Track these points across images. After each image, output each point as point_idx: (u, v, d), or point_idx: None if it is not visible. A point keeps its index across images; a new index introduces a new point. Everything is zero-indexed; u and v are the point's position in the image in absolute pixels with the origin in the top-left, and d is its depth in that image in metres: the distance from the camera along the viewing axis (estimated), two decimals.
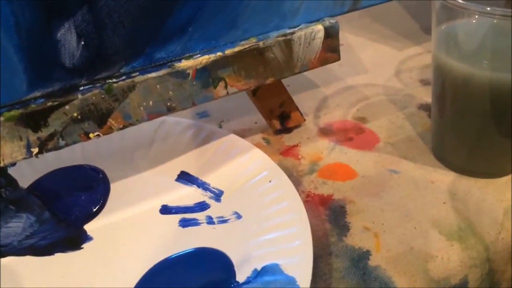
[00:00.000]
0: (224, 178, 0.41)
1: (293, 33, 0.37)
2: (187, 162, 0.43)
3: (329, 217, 0.37)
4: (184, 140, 0.45)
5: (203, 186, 0.41)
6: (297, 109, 0.46)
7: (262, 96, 0.44)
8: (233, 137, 0.44)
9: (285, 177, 0.38)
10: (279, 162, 0.43)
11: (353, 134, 0.46)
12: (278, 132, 0.47)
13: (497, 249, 0.34)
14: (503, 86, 0.34)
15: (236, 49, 0.36)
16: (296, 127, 0.48)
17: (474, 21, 0.34)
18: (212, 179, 0.41)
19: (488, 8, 0.32)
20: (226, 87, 0.37)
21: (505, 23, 0.32)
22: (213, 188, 0.40)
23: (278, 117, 0.46)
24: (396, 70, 0.56)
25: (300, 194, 0.39)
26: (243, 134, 0.47)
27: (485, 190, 0.38)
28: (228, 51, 0.36)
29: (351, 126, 0.47)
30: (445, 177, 0.40)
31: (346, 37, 0.65)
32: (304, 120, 0.47)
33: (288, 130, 0.47)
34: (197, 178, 0.41)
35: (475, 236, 0.34)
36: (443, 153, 0.41)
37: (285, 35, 0.37)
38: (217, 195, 0.39)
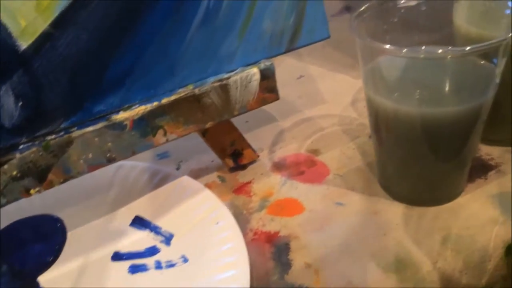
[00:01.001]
0: (175, 221, 0.42)
1: (228, 77, 0.39)
2: (142, 206, 0.44)
3: (273, 255, 0.38)
4: (140, 184, 0.46)
5: (155, 230, 0.42)
6: (249, 146, 0.47)
7: (212, 136, 0.45)
8: (186, 179, 0.45)
9: (231, 218, 0.39)
10: (230, 200, 0.44)
11: (305, 168, 0.47)
12: (233, 169, 0.48)
13: (434, 279, 0.34)
14: (432, 120, 0.35)
15: (173, 97, 0.38)
16: (251, 163, 0.49)
17: (396, 59, 0.35)
18: (164, 223, 0.42)
19: (405, 50, 0.33)
20: (165, 134, 0.38)
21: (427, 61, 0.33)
22: (164, 231, 0.41)
23: (231, 155, 0.47)
24: (352, 99, 0.57)
25: (248, 233, 0.40)
26: (199, 173, 0.49)
27: (425, 219, 0.39)
28: (164, 100, 0.37)
29: (303, 159, 0.48)
30: (388, 207, 0.41)
31: (308, 68, 0.66)
32: (258, 156, 0.49)
33: (243, 167, 0.48)
34: (150, 223, 0.42)
35: (412, 267, 0.35)
36: (386, 183, 0.42)
37: (221, 80, 0.39)
38: (168, 239, 0.40)
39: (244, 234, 0.40)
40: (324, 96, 0.59)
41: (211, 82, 0.38)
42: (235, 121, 0.48)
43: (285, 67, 0.67)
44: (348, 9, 0.83)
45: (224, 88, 0.39)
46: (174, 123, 0.38)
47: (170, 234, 0.41)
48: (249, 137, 0.53)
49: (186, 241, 0.40)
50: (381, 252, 0.37)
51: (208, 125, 0.39)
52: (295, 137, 0.52)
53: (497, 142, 0.45)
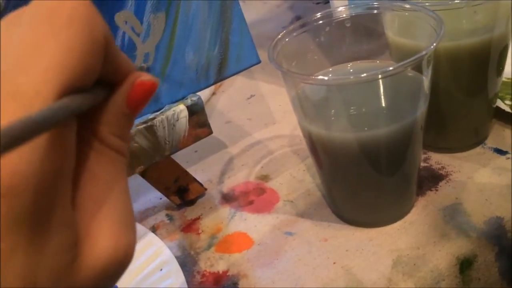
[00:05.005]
0: None
1: (154, 118, 0.37)
2: None
3: None
4: None
5: None
6: (195, 180, 0.46)
7: (151, 177, 0.43)
8: None
9: (175, 263, 0.38)
10: (179, 240, 0.42)
11: (254, 197, 0.45)
12: (180, 206, 0.46)
13: None
14: (367, 142, 0.34)
15: None
16: (200, 196, 0.47)
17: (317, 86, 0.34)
18: None
19: (326, 78, 0.31)
20: None
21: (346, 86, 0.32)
22: None
23: (176, 192, 0.45)
24: None
25: (195, 276, 0.38)
26: (148, 213, 0.47)
27: (376, 241, 0.37)
28: None
29: (253, 187, 0.47)
30: (338, 232, 0.39)
31: (259, 86, 0.65)
32: (205, 189, 0.47)
33: (191, 202, 0.46)
34: None
35: None
36: (334, 206, 0.41)
37: (146, 122, 0.37)
38: None
39: (192, 277, 0.39)
40: (274, 116, 0.57)
41: (135, 125, 0.36)
42: (184, 152, 0.46)
43: (236, 88, 0.66)
44: (298, 19, 0.81)
45: (150, 130, 0.37)
46: None
47: (114, 285, 0.39)
48: (198, 167, 0.51)
49: None
50: (331, 283, 0.35)
51: (139, 169, 0.37)
52: (244, 164, 0.50)
53: (447, 150, 0.44)
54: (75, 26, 0.16)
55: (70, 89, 0.15)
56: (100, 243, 0.17)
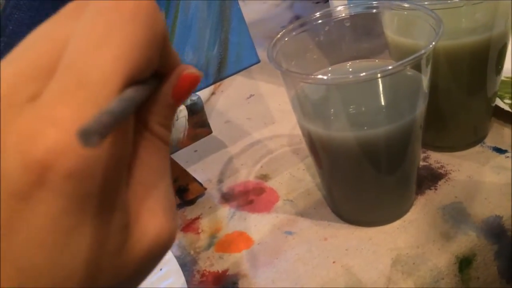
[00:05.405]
0: None
1: None
2: None
3: None
4: None
5: None
6: (194, 180, 0.46)
7: None
8: None
9: (175, 263, 0.38)
10: (178, 240, 0.42)
11: (254, 196, 0.45)
12: (180, 205, 0.46)
13: None
14: (367, 142, 0.34)
15: None
16: (199, 196, 0.47)
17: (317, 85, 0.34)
18: None
19: (325, 77, 0.31)
20: None
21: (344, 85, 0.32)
22: None
23: (176, 192, 0.45)
24: None
25: (195, 275, 0.38)
26: None
27: (376, 240, 0.37)
28: None
29: (252, 187, 0.47)
30: (338, 231, 0.39)
31: (258, 86, 0.65)
32: (205, 189, 0.47)
33: (191, 202, 0.47)
34: None
35: None
36: (334, 205, 0.41)
37: None
38: None
39: (191, 277, 0.39)
40: (274, 115, 0.57)
41: None
42: (184, 151, 0.46)
43: (236, 87, 0.66)
44: (297, 18, 0.81)
45: None
46: None
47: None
48: (198, 167, 0.51)
49: None
50: (331, 282, 0.35)
51: None
52: (244, 163, 0.50)
53: (446, 148, 0.44)
54: (140, 19, 0.16)
55: (133, 81, 0.16)
56: (148, 226, 0.17)
